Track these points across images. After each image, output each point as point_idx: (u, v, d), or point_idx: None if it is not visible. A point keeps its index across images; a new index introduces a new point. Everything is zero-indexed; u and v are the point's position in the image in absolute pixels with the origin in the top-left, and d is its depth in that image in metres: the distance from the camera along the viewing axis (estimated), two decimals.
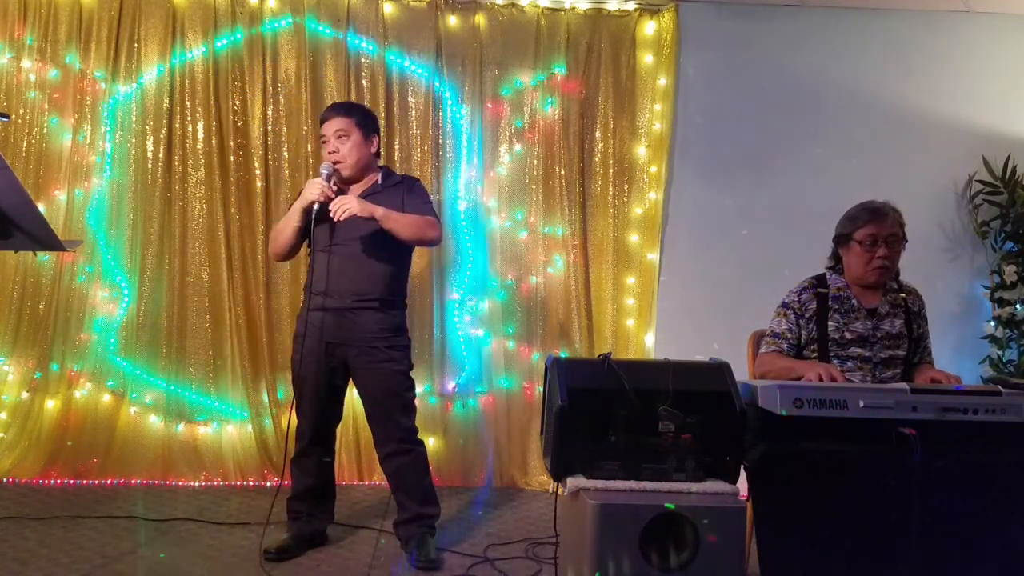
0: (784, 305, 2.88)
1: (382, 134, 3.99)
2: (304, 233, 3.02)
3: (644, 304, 4.17)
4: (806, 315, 2.82)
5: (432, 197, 4.01)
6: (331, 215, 2.86)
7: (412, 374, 3.15)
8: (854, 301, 2.82)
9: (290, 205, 3.14)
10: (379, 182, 3.12)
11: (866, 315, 2.80)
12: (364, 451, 4.05)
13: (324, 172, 2.99)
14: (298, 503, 3.17)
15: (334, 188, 2.97)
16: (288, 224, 3.03)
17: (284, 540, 3.10)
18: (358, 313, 3.01)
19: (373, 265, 3.01)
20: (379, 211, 2.90)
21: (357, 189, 3.08)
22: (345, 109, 3.12)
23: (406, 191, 3.12)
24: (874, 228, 2.76)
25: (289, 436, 4.01)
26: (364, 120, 3.10)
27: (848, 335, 2.77)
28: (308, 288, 3.08)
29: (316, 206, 2.93)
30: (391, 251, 3.04)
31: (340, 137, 3.03)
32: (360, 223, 2.95)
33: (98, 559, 3.00)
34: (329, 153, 3.05)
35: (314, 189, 2.93)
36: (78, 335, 3.98)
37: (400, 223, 2.95)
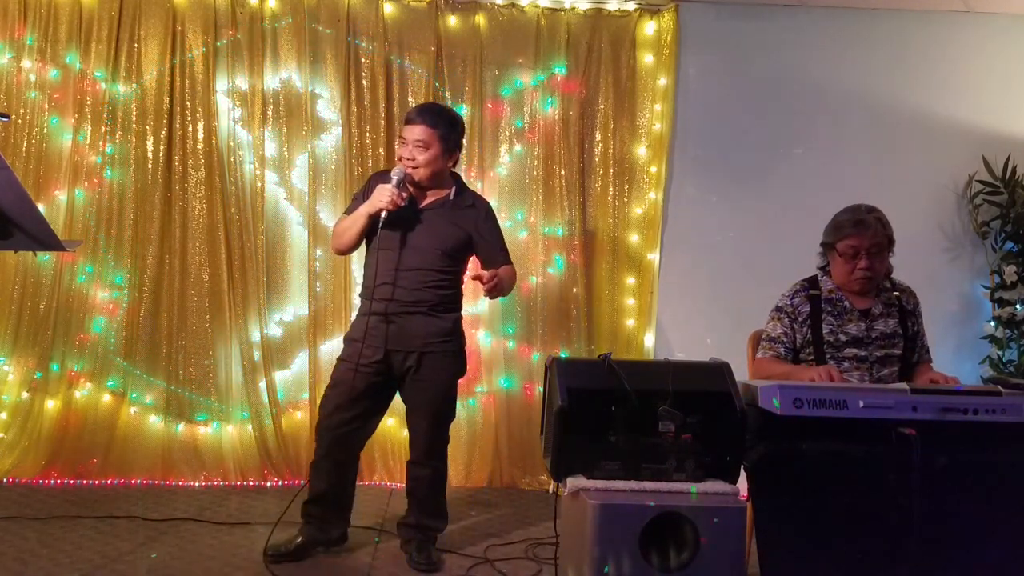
0: (777, 309, 2.88)
1: (382, 134, 4.02)
2: (369, 235, 3.01)
3: (644, 304, 4.17)
4: (799, 318, 2.82)
5: None
6: (484, 289, 2.93)
7: None
8: (846, 303, 2.81)
9: (357, 204, 3.07)
10: (450, 198, 3.06)
11: (859, 316, 2.79)
12: (364, 451, 4.04)
13: (395, 177, 2.93)
14: (312, 507, 3.09)
15: (404, 196, 2.93)
16: (354, 226, 3.00)
17: (290, 543, 3.04)
18: (413, 318, 2.99)
19: (434, 275, 3.00)
20: (502, 284, 2.99)
21: (429, 196, 3.05)
22: (432, 119, 2.99)
23: (481, 223, 3.09)
24: (855, 240, 2.75)
25: (281, 436, 4.01)
26: (448, 134, 3.00)
27: (843, 337, 2.77)
28: (369, 292, 3.01)
29: (384, 214, 2.89)
30: (456, 260, 3.06)
31: (418, 147, 2.96)
32: (435, 235, 2.98)
33: (98, 559, 3.00)
34: (402, 159, 2.99)
35: (384, 196, 2.88)
36: (78, 335, 3.97)
37: (503, 291, 3.05)
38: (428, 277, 2.99)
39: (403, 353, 3.00)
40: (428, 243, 3.00)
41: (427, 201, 3.06)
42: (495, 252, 3.09)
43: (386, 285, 2.98)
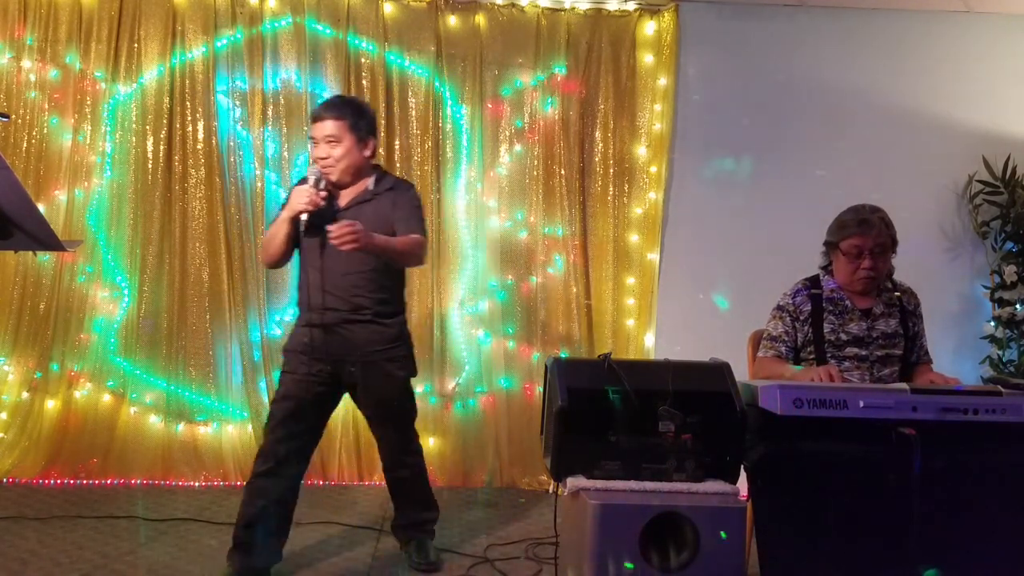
0: (779, 308, 2.88)
1: (382, 134, 4.01)
2: (295, 242, 2.86)
3: (644, 304, 4.17)
4: (801, 317, 2.82)
5: (432, 197, 4.00)
6: (330, 239, 2.58)
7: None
8: (848, 303, 2.81)
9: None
10: (370, 188, 2.90)
11: (860, 316, 2.79)
12: (364, 451, 4.05)
13: (312, 177, 2.77)
14: (247, 532, 2.80)
15: (323, 194, 2.79)
16: (277, 233, 2.83)
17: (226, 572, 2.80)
18: (355, 327, 2.86)
19: (368, 277, 2.85)
20: (378, 246, 2.71)
21: (348, 194, 2.91)
22: (337, 110, 2.85)
23: (398, 198, 2.90)
24: (859, 240, 2.75)
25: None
26: (358, 123, 2.85)
27: (844, 336, 2.77)
28: (304, 303, 2.90)
29: (304, 216, 2.72)
30: (385, 261, 2.88)
31: (330, 143, 2.82)
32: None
33: (98, 559, 3.00)
34: (317, 160, 2.84)
35: (302, 198, 2.72)
36: (78, 335, 3.98)
37: (389, 252, 2.79)
38: (361, 280, 2.84)
39: (349, 364, 2.88)
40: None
41: (348, 199, 2.89)
42: (408, 221, 2.86)
43: (319, 293, 2.83)
